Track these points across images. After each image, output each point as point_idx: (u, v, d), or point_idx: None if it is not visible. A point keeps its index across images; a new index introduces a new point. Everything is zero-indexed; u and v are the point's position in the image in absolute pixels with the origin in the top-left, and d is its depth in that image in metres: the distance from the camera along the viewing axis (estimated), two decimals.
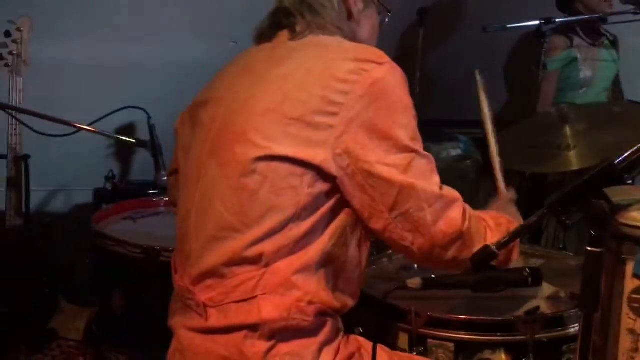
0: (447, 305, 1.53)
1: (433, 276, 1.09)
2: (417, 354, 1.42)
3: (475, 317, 1.44)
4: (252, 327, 1.18)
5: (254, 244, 1.19)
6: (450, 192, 1.23)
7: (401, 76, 1.22)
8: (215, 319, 1.22)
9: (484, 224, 1.28)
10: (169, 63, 2.73)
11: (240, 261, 1.20)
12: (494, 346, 1.41)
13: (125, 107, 2.14)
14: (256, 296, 1.19)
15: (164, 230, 2.14)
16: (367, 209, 1.20)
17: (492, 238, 1.25)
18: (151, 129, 2.16)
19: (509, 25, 2.34)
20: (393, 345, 1.45)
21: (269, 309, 1.18)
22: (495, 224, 1.29)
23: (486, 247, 1.05)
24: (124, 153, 2.94)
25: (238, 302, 1.20)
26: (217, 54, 2.68)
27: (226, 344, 1.20)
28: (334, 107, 1.16)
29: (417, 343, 1.44)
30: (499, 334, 1.42)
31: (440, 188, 1.22)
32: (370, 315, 1.51)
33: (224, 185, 1.21)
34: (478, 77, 1.68)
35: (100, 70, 2.66)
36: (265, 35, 1.34)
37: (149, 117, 2.17)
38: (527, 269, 1.06)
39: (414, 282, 1.07)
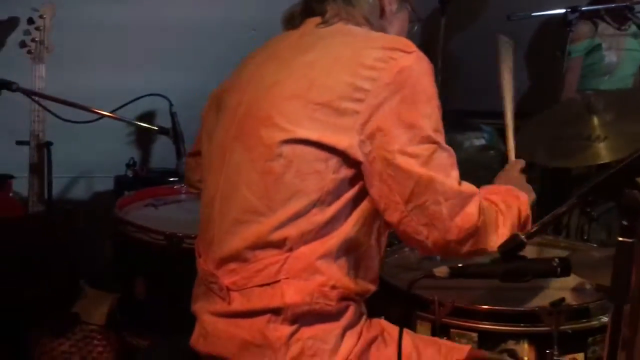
0: (470, 295, 1.52)
1: (460, 265, 1.08)
2: None
3: (500, 307, 1.43)
4: (275, 311, 1.19)
5: (279, 228, 1.19)
6: (468, 187, 1.23)
7: (428, 66, 1.21)
8: (238, 303, 1.23)
9: (494, 208, 1.27)
10: (190, 50, 2.73)
11: (264, 245, 1.20)
12: (517, 337, 1.41)
13: (147, 95, 2.14)
14: (279, 280, 1.20)
15: (185, 217, 2.16)
16: (384, 199, 1.20)
17: (503, 223, 1.25)
18: (173, 116, 2.16)
19: (534, 14, 2.31)
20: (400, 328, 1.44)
21: (292, 293, 1.19)
22: (505, 207, 1.28)
23: (515, 237, 1.04)
24: (144, 140, 2.95)
25: (261, 285, 1.21)
26: (236, 41, 2.69)
27: (249, 328, 1.21)
28: (360, 93, 1.16)
29: (440, 332, 1.44)
30: (522, 324, 1.41)
31: (459, 183, 1.21)
32: (393, 305, 1.51)
33: (249, 168, 1.22)
34: (503, 40, 1.65)
35: (121, 58, 2.67)
36: (293, 20, 1.34)
37: (171, 105, 2.17)
38: (556, 259, 1.05)
39: (441, 270, 1.06)
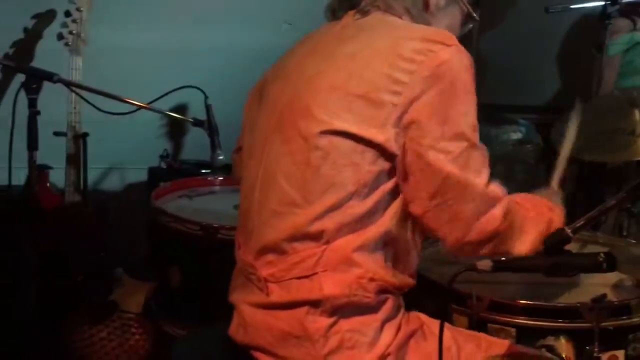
0: (506, 290, 1.51)
1: (503, 259, 1.07)
2: None
3: (539, 303, 1.42)
4: (314, 303, 1.19)
5: (316, 220, 1.19)
6: (496, 189, 1.21)
7: (468, 60, 1.20)
8: (276, 295, 1.23)
9: (523, 214, 1.25)
10: (224, 44, 2.74)
11: (301, 237, 1.21)
12: (557, 332, 1.39)
13: (183, 87, 2.15)
14: (317, 273, 1.20)
15: (219, 208, 2.18)
16: (411, 191, 1.19)
17: (529, 230, 1.24)
18: (208, 108, 2.17)
19: (572, 6, 2.26)
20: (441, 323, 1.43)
21: (331, 286, 1.19)
22: (536, 214, 1.27)
23: (561, 231, 1.03)
24: (177, 132, 2.98)
25: (299, 278, 1.21)
26: (271, 35, 2.69)
27: (288, 319, 1.22)
28: (398, 85, 1.16)
29: (478, 327, 1.43)
30: (561, 320, 1.40)
31: (488, 184, 1.19)
32: (428, 298, 1.50)
33: (287, 160, 1.22)
34: (577, 107, 1.63)
35: (156, 51, 2.69)
36: (335, 12, 1.34)
37: (206, 97, 2.18)
38: (601, 254, 1.03)
39: (484, 264, 1.06)
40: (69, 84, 1.92)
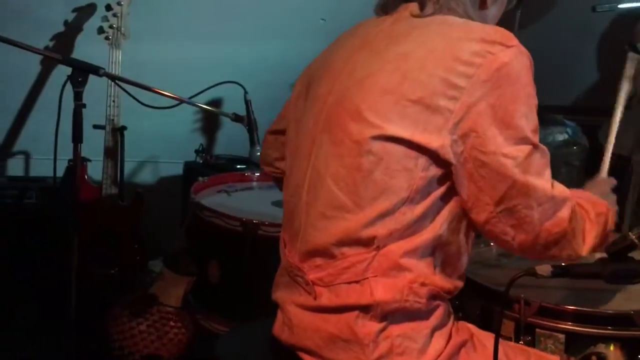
0: (554, 295, 1.48)
1: (564, 264, 1.04)
2: (523, 343, 1.39)
3: (590, 309, 1.39)
4: (365, 308, 1.18)
5: (367, 226, 1.17)
6: (562, 191, 1.19)
7: (528, 61, 1.16)
8: (325, 299, 1.22)
9: (585, 216, 1.23)
10: (261, 39, 2.73)
11: (351, 242, 1.19)
12: (607, 340, 1.36)
13: (223, 82, 2.15)
14: (367, 278, 1.18)
15: (257, 204, 2.18)
16: (472, 198, 1.16)
17: (589, 232, 1.22)
18: (247, 104, 2.16)
19: (620, 5, 2.20)
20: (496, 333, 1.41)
21: (382, 291, 1.17)
22: (595, 214, 1.24)
23: (624, 237, 1.01)
24: (211, 127, 2.99)
25: (349, 283, 1.19)
26: (307, 31, 2.68)
27: (337, 323, 1.20)
28: (455, 90, 1.12)
29: (525, 332, 1.40)
30: (613, 327, 1.36)
31: (552, 185, 1.17)
32: (473, 301, 1.48)
33: (336, 163, 1.20)
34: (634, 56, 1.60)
35: (194, 46, 2.70)
36: (388, 6, 1.30)
37: (246, 92, 2.18)
38: None
39: (544, 269, 1.03)
40: (114, 78, 1.92)
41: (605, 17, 2.43)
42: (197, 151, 2.84)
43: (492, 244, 1.82)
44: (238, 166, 2.70)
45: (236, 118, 2.14)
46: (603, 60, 2.85)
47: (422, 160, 1.14)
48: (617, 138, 1.68)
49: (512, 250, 1.22)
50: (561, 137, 2.21)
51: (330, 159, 1.21)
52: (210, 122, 2.96)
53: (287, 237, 1.34)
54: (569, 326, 1.38)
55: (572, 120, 2.27)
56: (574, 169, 2.04)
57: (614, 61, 3.01)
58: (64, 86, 1.75)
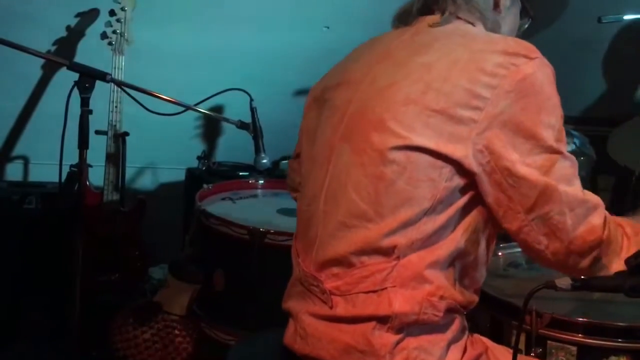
0: (565, 306, 1.48)
1: (583, 277, 1.04)
2: (535, 355, 1.39)
3: (603, 321, 1.38)
4: (382, 319, 1.17)
5: (388, 235, 1.17)
6: (593, 197, 1.19)
7: (551, 72, 1.17)
8: (342, 308, 1.21)
9: (621, 230, 1.23)
10: (265, 47, 2.72)
11: (371, 251, 1.18)
12: (619, 352, 1.36)
13: (228, 89, 2.14)
14: (386, 288, 1.18)
15: (263, 212, 2.17)
16: (503, 207, 1.17)
17: (628, 247, 1.21)
18: (253, 111, 2.16)
19: (625, 17, 2.22)
20: (508, 344, 1.41)
21: (401, 302, 1.17)
22: (632, 232, 1.24)
23: None
24: (214, 134, 2.98)
25: (366, 292, 1.19)
26: (310, 39, 2.68)
27: (353, 333, 1.19)
28: (478, 101, 1.13)
29: (537, 344, 1.40)
30: (625, 340, 1.36)
31: (583, 192, 1.17)
32: (484, 312, 1.48)
33: (358, 172, 1.20)
34: None
35: (198, 52, 2.68)
36: (407, 17, 1.31)
37: (251, 100, 2.17)
38: None
39: (564, 282, 1.03)
40: (120, 84, 1.92)
41: (611, 28, 2.44)
42: (199, 157, 2.82)
43: (499, 253, 1.82)
44: (241, 173, 2.68)
45: (242, 125, 2.13)
46: (609, 71, 2.87)
47: (446, 170, 1.15)
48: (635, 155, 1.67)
49: (546, 262, 1.21)
50: (568, 147, 2.19)
51: (351, 167, 1.21)
52: (211, 129, 2.95)
53: (300, 246, 1.33)
54: (580, 338, 1.37)
55: (578, 131, 2.28)
56: (581, 179, 2.03)
57: (620, 72, 3.05)
58: (71, 91, 1.74)
